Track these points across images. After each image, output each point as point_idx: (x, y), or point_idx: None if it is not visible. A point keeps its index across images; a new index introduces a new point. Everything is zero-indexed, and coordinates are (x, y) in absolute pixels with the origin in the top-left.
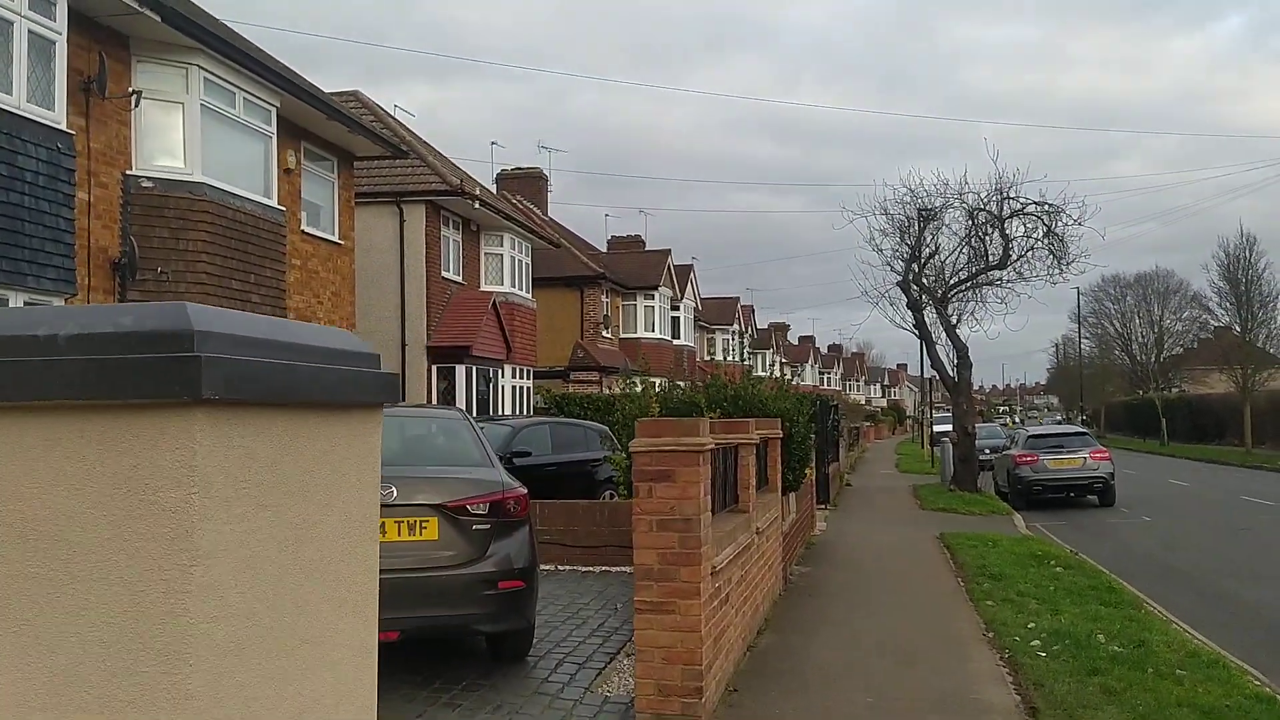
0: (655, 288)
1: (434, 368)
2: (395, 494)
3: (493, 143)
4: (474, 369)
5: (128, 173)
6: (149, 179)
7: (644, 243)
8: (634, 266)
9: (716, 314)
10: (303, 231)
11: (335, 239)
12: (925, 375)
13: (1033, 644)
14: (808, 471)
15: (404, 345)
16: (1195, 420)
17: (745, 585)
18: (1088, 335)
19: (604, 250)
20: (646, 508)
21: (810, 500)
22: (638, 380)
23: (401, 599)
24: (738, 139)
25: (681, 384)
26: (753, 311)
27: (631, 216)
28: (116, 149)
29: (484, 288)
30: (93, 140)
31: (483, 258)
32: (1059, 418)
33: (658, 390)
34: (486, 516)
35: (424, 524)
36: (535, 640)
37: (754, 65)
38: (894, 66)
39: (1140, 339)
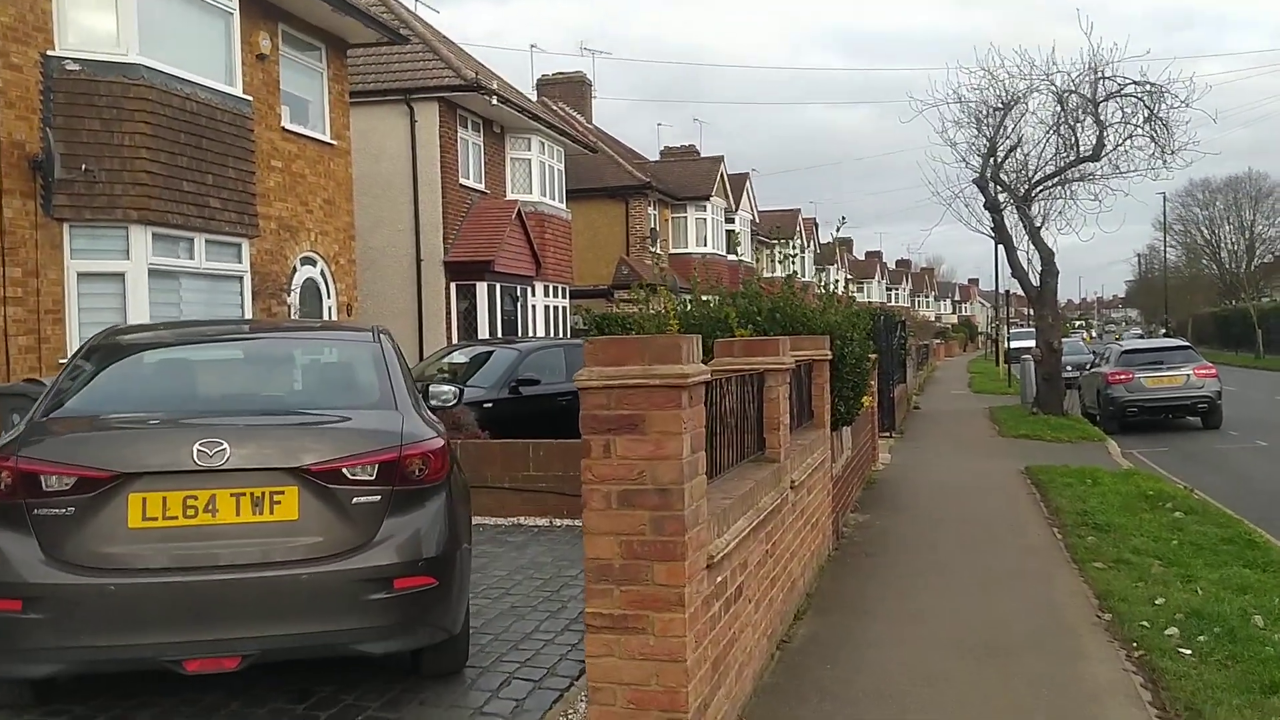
0: (707, 198)
1: (452, 285)
2: (228, 452)
3: (532, 46)
4: (498, 287)
5: (49, 53)
6: (75, 61)
7: (699, 154)
8: (683, 176)
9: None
10: (284, 129)
11: (326, 139)
12: (1000, 289)
13: (1168, 633)
14: (866, 400)
15: (419, 261)
16: None
17: (774, 563)
18: (1173, 243)
19: (656, 161)
20: (601, 473)
21: (871, 431)
22: (647, 292)
23: (242, 610)
24: (804, 53)
25: (710, 297)
26: (815, 226)
27: (686, 127)
28: (33, 24)
29: (510, 197)
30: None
31: (508, 163)
32: (1138, 331)
33: (679, 305)
34: (374, 484)
35: (276, 496)
36: (491, 635)
37: None
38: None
39: (1230, 246)
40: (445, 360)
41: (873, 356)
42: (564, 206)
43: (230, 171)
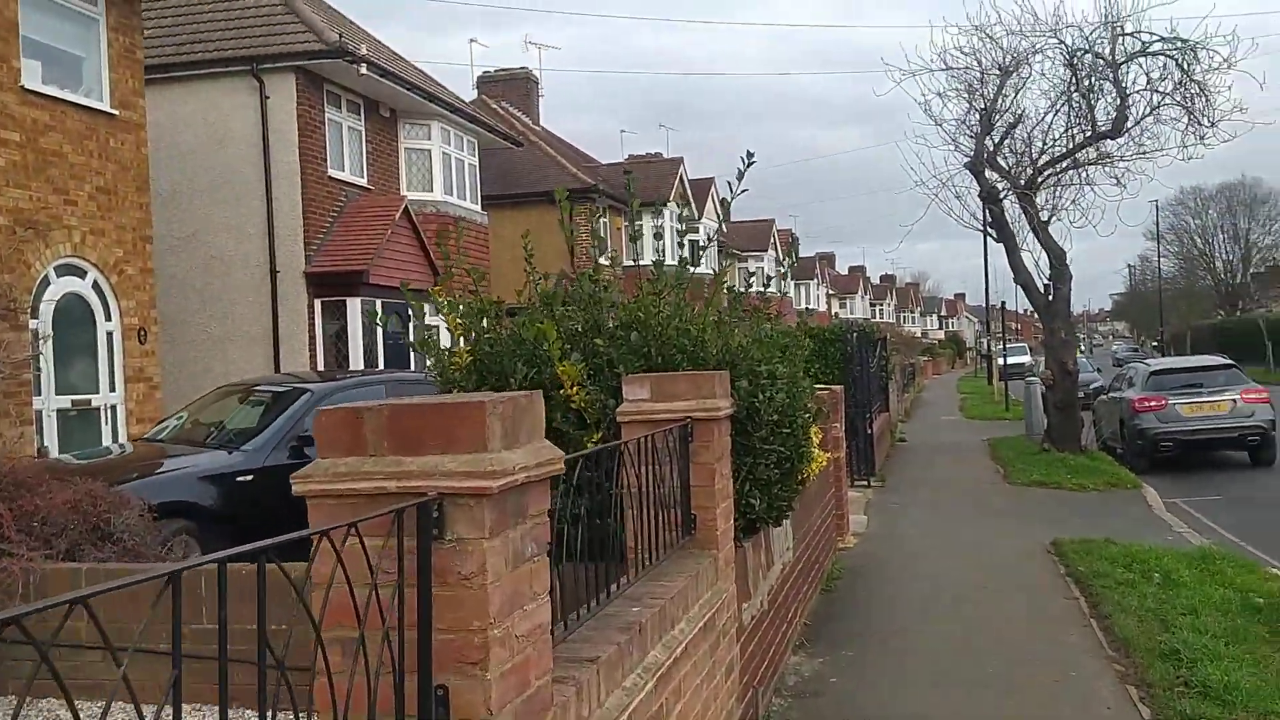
0: (665, 204)
1: (317, 302)
2: None
3: (471, 40)
4: (378, 303)
5: None
6: None
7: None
8: (638, 180)
9: (749, 239)
10: (24, 89)
11: (103, 107)
12: (990, 300)
13: None
14: (816, 465)
15: (273, 273)
16: None
17: None
18: (1166, 253)
19: (608, 164)
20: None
21: (835, 494)
22: (445, 303)
23: None
24: (794, 74)
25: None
26: (794, 239)
27: (677, 144)
28: None
29: (407, 194)
30: None
31: (402, 154)
32: (1123, 345)
33: (484, 315)
34: None
35: None
36: None
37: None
38: (957, 5)
39: (1225, 255)
40: (217, 405)
41: (832, 390)
42: (478, 208)
43: None
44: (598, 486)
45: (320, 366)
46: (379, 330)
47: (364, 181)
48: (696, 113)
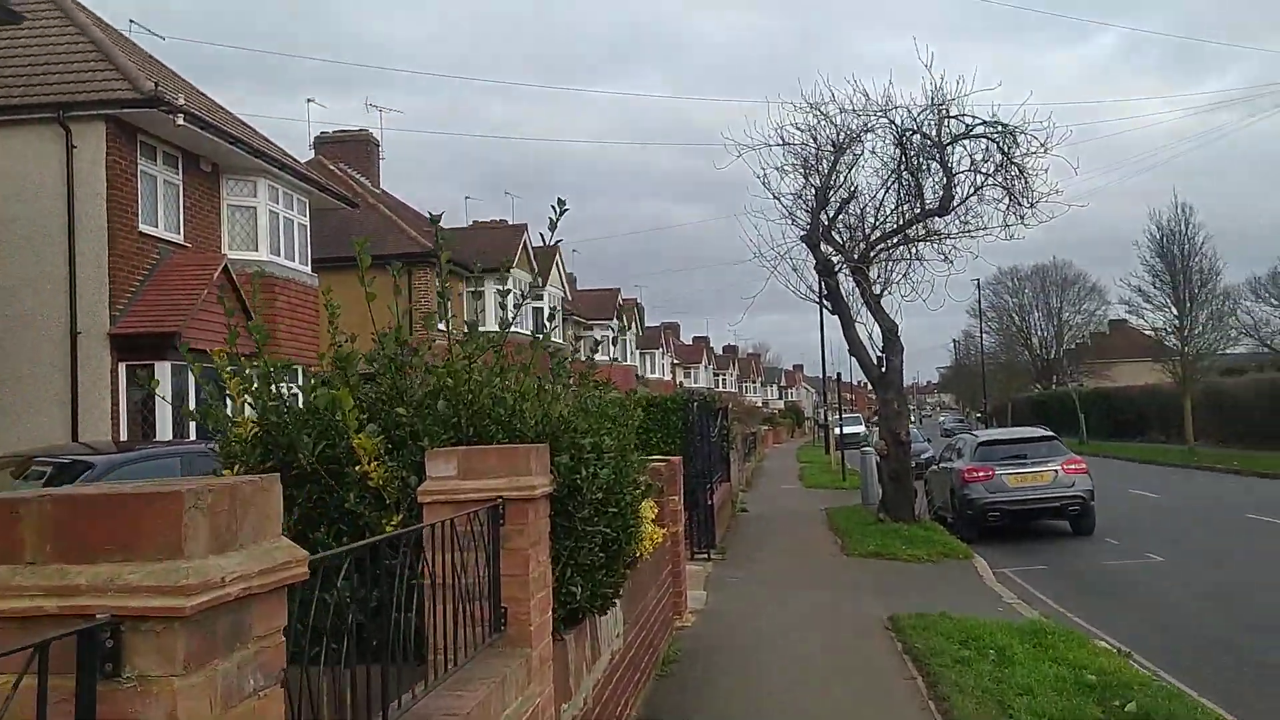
0: (509, 269)
1: (121, 366)
2: None
3: (309, 100)
4: (190, 369)
5: None
6: None
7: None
8: (482, 245)
9: (594, 308)
10: None
11: None
12: (827, 372)
13: None
14: (649, 543)
15: (74, 334)
16: (1115, 415)
17: None
18: (988, 329)
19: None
20: None
21: (673, 570)
22: (225, 366)
23: None
24: (642, 150)
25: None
26: (639, 308)
27: (498, 200)
28: None
29: (228, 253)
30: None
31: (224, 211)
32: (956, 418)
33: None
34: None
35: None
36: None
37: (658, 80)
38: (792, 83)
39: (1041, 332)
40: None
41: (670, 461)
42: (308, 269)
43: None
44: (393, 575)
45: (124, 436)
46: (196, 396)
47: (180, 238)
48: (546, 184)
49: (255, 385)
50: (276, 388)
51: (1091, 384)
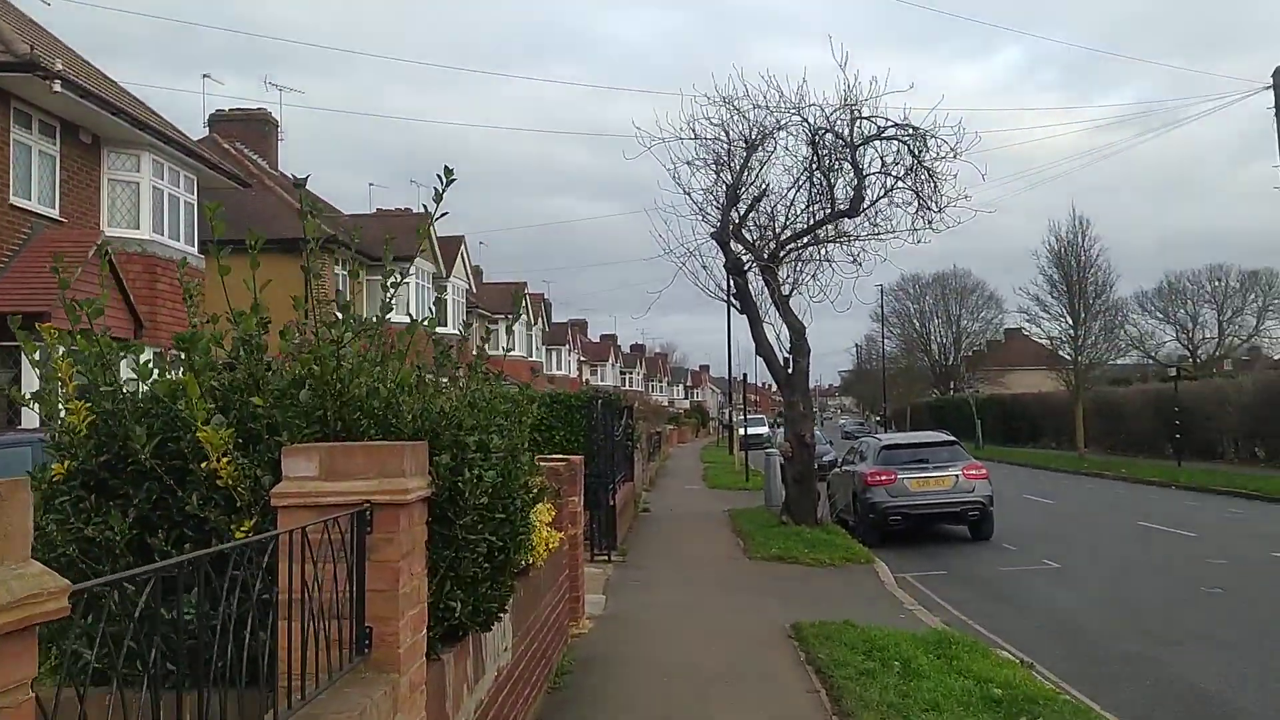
0: (411, 259)
1: None
2: None
3: (205, 75)
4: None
5: None
6: None
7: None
8: (383, 233)
9: (501, 301)
10: None
11: None
12: (733, 373)
13: None
14: (541, 551)
15: None
16: (1009, 422)
17: None
18: (889, 334)
19: (351, 215)
20: None
21: (570, 573)
22: (51, 344)
23: None
24: (554, 145)
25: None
26: (546, 303)
27: (403, 189)
28: None
29: (107, 230)
30: None
31: (104, 185)
32: (856, 421)
33: (104, 364)
34: None
35: None
36: None
37: (571, 73)
38: (706, 80)
39: (940, 339)
40: None
41: (570, 460)
42: (194, 249)
43: None
44: (245, 587)
45: None
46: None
47: (55, 213)
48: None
49: (90, 368)
50: (115, 372)
51: (988, 390)
